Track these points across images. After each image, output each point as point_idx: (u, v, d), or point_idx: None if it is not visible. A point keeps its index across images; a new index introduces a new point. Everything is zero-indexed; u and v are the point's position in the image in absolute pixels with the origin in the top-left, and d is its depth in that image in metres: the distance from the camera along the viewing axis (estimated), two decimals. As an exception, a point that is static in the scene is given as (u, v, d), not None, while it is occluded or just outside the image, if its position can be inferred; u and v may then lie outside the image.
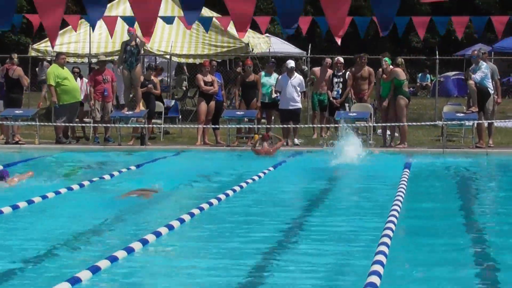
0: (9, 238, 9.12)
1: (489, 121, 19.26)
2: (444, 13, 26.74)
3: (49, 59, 25.04)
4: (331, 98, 20.98)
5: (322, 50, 42.75)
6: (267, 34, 32.60)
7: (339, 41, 11.26)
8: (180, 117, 23.55)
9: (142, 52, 22.47)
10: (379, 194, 12.65)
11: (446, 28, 21.50)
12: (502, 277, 7.50)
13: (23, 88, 21.06)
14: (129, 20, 20.85)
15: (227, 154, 18.61)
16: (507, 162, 17.83)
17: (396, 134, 19.94)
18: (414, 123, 20.85)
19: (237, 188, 12.67)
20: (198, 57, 25.77)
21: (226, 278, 7.39)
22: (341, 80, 20.93)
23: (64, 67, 20.52)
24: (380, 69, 19.71)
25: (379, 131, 20.70)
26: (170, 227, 9.46)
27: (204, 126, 20.10)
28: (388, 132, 19.81)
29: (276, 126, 20.36)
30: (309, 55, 25.79)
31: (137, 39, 20.46)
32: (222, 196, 11.83)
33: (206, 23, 22.15)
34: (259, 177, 14.14)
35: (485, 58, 19.99)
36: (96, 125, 20.54)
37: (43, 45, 26.35)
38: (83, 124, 21.22)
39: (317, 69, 21.99)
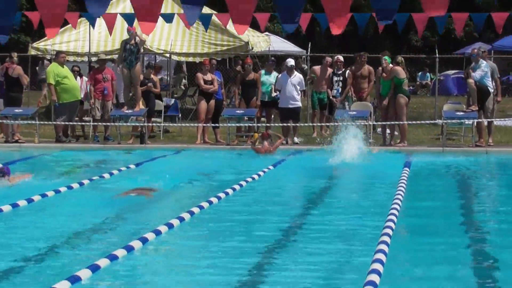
0: (9, 236, 9.12)
1: (489, 120, 19.26)
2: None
3: (49, 58, 25.02)
4: (331, 97, 20.98)
5: (321, 48, 42.71)
6: (266, 33, 32.61)
7: (337, 32, 11.26)
8: (180, 115, 23.54)
9: (142, 50, 22.46)
10: (378, 193, 12.65)
11: (445, 25, 21.49)
12: (501, 275, 7.50)
13: (22, 87, 21.05)
14: (128, 17, 20.85)
15: (227, 153, 18.61)
16: (506, 161, 17.84)
17: (396, 133, 19.95)
18: (414, 122, 20.86)
19: (237, 187, 12.67)
20: (198, 55, 25.76)
21: (226, 276, 7.39)
22: (341, 78, 20.93)
23: (64, 65, 20.52)
24: (380, 68, 19.70)
25: (379, 129, 20.70)
26: (170, 226, 9.46)
27: (204, 124, 20.10)
28: (388, 131, 19.81)
29: (276, 124, 20.35)
30: (309, 53, 25.79)
31: (137, 38, 20.46)
32: (222, 195, 11.83)
33: (206, 21, 22.13)
34: (259, 175, 14.14)
35: (484, 56, 19.99)
36: (96, 123, 20.54)
37: (43, 43, 26.34)
38: (83, 123, 21.21)
39: (317, 68, 21.98)
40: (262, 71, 21.16)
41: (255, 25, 22.42)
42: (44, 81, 25.71)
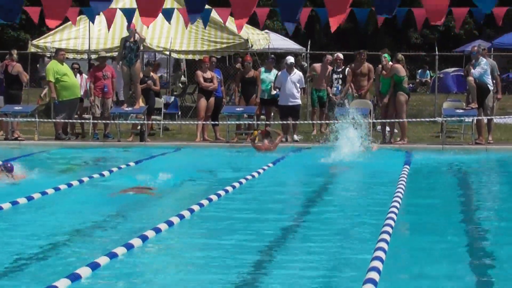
0: (8, 234, 9.12)
1: (489, 117, 19.26)
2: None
3: (49, 55, 25.02)
4: (330, 95, 20.97)
5: (321, 46, 42.70)
6: (266, 31, 32.62)
7: (334, 28, 11.27)
8: (179, 113, 23.54)
9: (142, 48, 22.46)
10: (378, 191, 12.65)
11: (445, 23, 21.47)
12: (501, 273, 7.51)
13: (22, 85, 21.03)
14: (128, 13, 20.85)
15: (227, 150, 18.61)
16: (506, 158, 17.83)
17: (396, 131, 19.95)
18: (414, 120, 20.86)
19: (237, 185, 12.67)
20: (198, 53, 25.76)
21: (226, 274, 7.39)
22: (341, 76, 20.92)
23: (64, 63, 20.51)
24: (380, 66, 19.70)
25: (379, 127, 20.70)
26: (170, 224, 9.46)
27: (204, 122, 20.10)
28: (388, 129, 19.81)
29: (276, 122, 20.35)
30: (308, 51, 25.78)
31: (136, 35, 20.45)
32: (222, 193, 11.82)
33: (205, 17, 22.11)
34: (259, 173, 14.14)
35: (484, 54, 19.99)
36: (95, 121, 20.53)
37: (43, 41, 26.34)
38: (83, 121, 21.20)
39: (317, 65, 21.98)
40: (262, 69, 21.16)
41: (254, 23, 22.40)
42: (44, 79, 25.75)
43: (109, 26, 21.54)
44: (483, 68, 19.14)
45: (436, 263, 7.85)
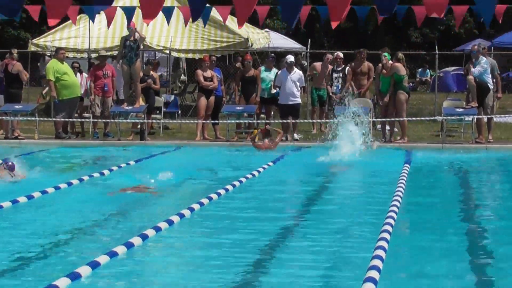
0: (9, 233, 9.12)
1: (489, 116, 19.27)
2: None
3: (49, 54, 25.02)
4: (330, 93, 20.97)
5: (321, 45, 42.73)
6: (266, 29, 32.62)
7: (334, 25, 11.28)
8: (179, 112, 23.55)
9: (142, 47, 22.46)
10: (378, 190, 12.64)
11: (445, 22, 21.46)
12: (501, 272, 7.51)
13: (22, 83, 21.04)
14: (128, 11, 20.85)
15: (227, 149, 18.61)
16: (506, 157, 17.82)
17: (396, 129, 19.95)
18: (414, 118, 20.85)
19: (237, 184, 12.67)
20: (198, 52, 25.76)
21: (226, 273, 7.39)
22: (341, 75, 20.93)
23: (64, 62, 20.52)
24: (380, 64, 19.70)
25: (379, 126, 20.70)
26: (170, 222, 9.46)
27: (204, 121, 20.10)
28: (388, 127, 19.81)
29: (276, 121, 20.35)
30: (308, 50, 25.78)
31: (136, 34, 20.45)
32: (222, 191, 11.83)
33: (205, 15, 22.10)
34: (259, 172, 14.14)
35: (484, 53, 19.99)
36: (95, 120, 20.54)
37: (43, 40, 26.34)
38: (83, 120, 21.20)
39: (318, 64, 21.99)
40: (262, 68, 21.16)
41: (254, 21, 22.40)
42: (45, 78, 25.75)
43: (109, 24, 21.54)
44: (483, 67, 19.14)
45: (436, 262, 7.85)
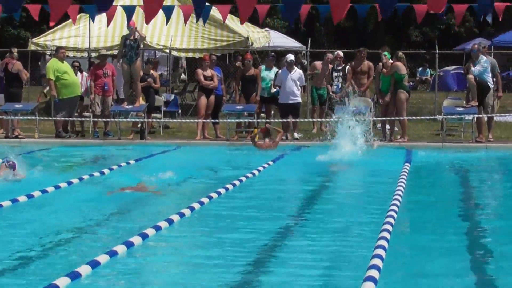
0: (8, 232, 9.12)
1: (489, 115, 19.27)
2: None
3: (49, 53, 25.02)
4: (330, 93, 20.98)
5: (321, 44, 42.72)
6: (266, 28, 32.62)
7: (336, 20, 11.29)
8: (179, 111, 23.55)
9: (142, 46, 22.46)
10: (378, 189, 12.65)
11: (445, 21, 21.47)
12: (501, 269, 7.51)
13: (22, 83, 21.05)
14: (128, 10, 20.85)
15: (227, 149, 18.61)
16: (506, 156, 17.82)
17: (396, 129, 19.95)
18: (414, 117, 20.85)
19: (237, 183, 12.67)
20: (198, 51, 25.75)
21: (226, 272, 7.39)
22: (341, 74, 20.93)
23: (64, 61, 20.52)
24: (380, 63, 19.71)
25: (379, 125, 20.71)
26: (170, 222, 9.46)
27: (204, 120, 20.10)
28: (388, 126, 19.81)
29: (276, 120, 20.35)
30: (308, 49, 25.77)
31: (136, 33, 20.45)
32: (222, 190, 11.83)
33: (205, 14, 22.11)
34: (259, 171, 14.14)
35: (484, 52, 19.99)
36: (96, 119, 20.54)
37: (43, 39, 26.34)
38: (83, 119, 21.20)
39: (318, 63, 21.98)
40: (262, 67, 21.16)
41: (254, 20, 22.42)
42: (45, 77, 25.77)
43: (109, 23, 21.52)
44: (483, 66, 19.14)
45: (436, 261, 7.85)
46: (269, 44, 28.33)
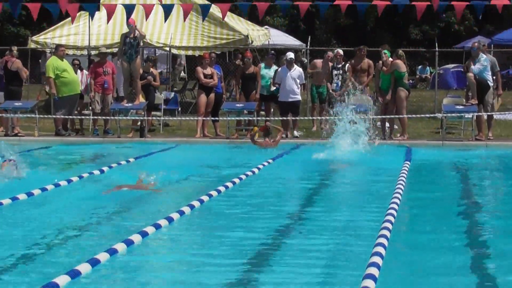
0: (8, 230, 9.12)
1: (489, 114, 19.26)
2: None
3: (49, 51, 25.01)
4: (330, 91, 20.96)
5: (321, 42, 42.71)
6: (266, 26, 32.62)
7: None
8: (179, 109, 23.54)
9: (142, 44, 22.45)
10: (379, 187, 12.65)
11: (445, 17, 21.49)
12: (501, 267, 7.51)
13: (22, 81, 21.04)
14: (128, 7, 20.89)
15: (227, 146, 18.61)
16: (506, 155, 17.82)
17: (396, 127, 19.95)
18: (414, 116, 20.85)
19: (237, 181, 12.67)
20: (197, 49, 25.75)
21: (225, 270, 7.39)
22: (341, 72, 20.91)
23: (64, 59, 20.51)
24: (380, 62, 19.70)
25: (378, 123, 20.68)
26: (170, 220, 9.46)
27: (204, 118, 20.10)
28: (388, 125, 19.80)
29: (276, 118, 20.34)
30: (308, 47, 25.77)
31: (136, 32, 20.44)
32: (222, 188, 11.83)
33: (204, 11, 22.15)
34: (259, 169, 14.14)
35: (484, 50, 19.98)
36: (95, 117, 20.54)
37: (42, 37, 26.33)
38: (83, 117, 21.20)
39: (318, 61, 21.96)
40: (262, 65, 21.15)
41: (254, 18, 22.46)
42: (45, 74, 25.78)
43: (108, 19, 21.57)
44: (483, 64, 19.14)
45: (436, 259, 7.84)
46: (268, 42, 28.34)
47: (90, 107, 20.95)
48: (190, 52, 27.29)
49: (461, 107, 19.50)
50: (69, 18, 23.62)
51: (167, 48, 25.80)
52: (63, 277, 6.84)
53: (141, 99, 20.40)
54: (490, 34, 41.32)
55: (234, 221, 9.79)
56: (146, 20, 23.19)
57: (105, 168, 14.05)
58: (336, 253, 8.12)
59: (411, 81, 35.36)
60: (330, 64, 21.22)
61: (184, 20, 22.48)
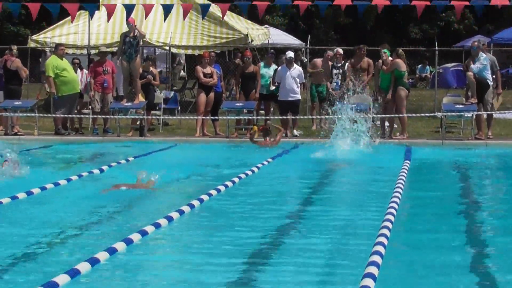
0: (8, 229, 9.12)
1: (488, 113, 19.26)
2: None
3: (48, 50, 25.02)
4: (330, 90, 20.96)
5: (321, 41, 42.69)
6: (266, 26, 32.61)
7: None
8: (179, 108, 23.54)
9: (141, 43, 22.45)
10: (379, 185, 12.64)
11: (444, 16, 21.50)
12: (501, 266, 7.51)
13: (21, 80, 21.04)
14: (128, 6, 20.89)
15: (226, 146, 18.61)
16: (506, 154, 17.82)
17: (395, 126, 19.95)
18: (414, 115, 20.85)
19: (236, 180, 12.67)
20: (197, 48, 25.75)
21: (225, 269, 7.38)
22: (340, 71, 20.91)
23: (63, 58, 20.51)
24: (380, 61, 19.70)
25: (378, 122, 20.68)
26: (170, 219, 9.45)
27: (203, 117, 20.10)
28: (387, 124, 19.80)
29: (275, 117, 20.34)
30: (308, 46, 25.76)
31: (136, 31, 20.44)
32: (221, 188, 11.82)
33: (204, 10, 22.16)
34: (258, 168, 14.14)
35: (484, 49, 19.98)
36: (95, 116, 20.54)
37: (42, 36, 26.33)
38: (82, 116, 21.20)
39: (318, 60, 21.96)
40: (261, 64, 21.15)
41: (254, 17, 22.45)
42: (45, 73, 25.78)
43: (108, 18, 21.58)
44: (483, 63, 19.14)
45: (435, 258, 7.84)
46: (268, 41, 28.33)
47: (90, 106, 20.94)
48: (189, 51, 27.31)
49: (461, 106, 19.51)
50: (69, 17, 23.64)
51: (167, 47, 25.79)
52: (62, 276, 6.83)
53: (140, 98, 20.40)
54: (490, 33, 41.35)
55: (233, 220, 9.78)
56: (145, 19, 23.21)
57: (104, 167, 14.05)
58: (335, 252, 8.12)
59: (411, 80, 35.38)
60: (330, 63, 21.23)
61: (184, 19, 22.49)
